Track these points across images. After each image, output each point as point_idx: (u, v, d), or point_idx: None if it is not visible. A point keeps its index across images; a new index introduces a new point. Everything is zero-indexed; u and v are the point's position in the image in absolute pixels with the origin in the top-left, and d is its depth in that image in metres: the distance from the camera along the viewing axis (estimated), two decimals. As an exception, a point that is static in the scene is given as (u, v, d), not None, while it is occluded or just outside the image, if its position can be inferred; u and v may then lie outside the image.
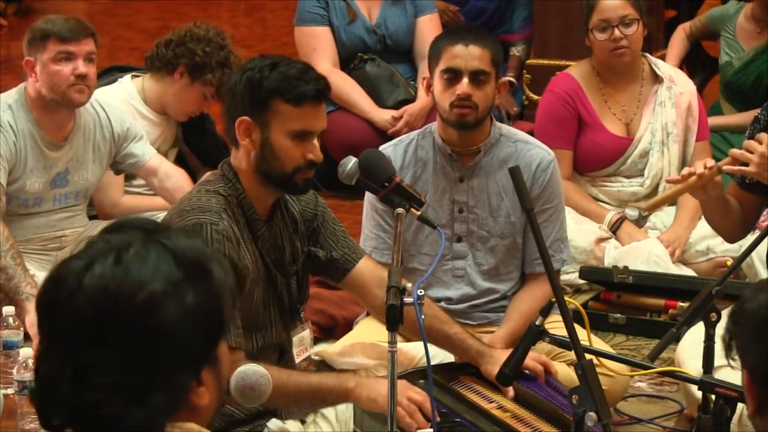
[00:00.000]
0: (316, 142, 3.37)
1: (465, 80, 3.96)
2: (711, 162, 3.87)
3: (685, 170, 3.90)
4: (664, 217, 5.23)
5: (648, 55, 5.35)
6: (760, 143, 3.81)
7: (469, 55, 3.97)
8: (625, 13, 5.10)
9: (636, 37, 5.13)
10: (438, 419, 3.27)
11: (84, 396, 1.78)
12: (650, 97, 5.26)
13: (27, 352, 3.98)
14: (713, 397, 3.16)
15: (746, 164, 3.83)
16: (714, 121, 5.85)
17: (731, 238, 4.22)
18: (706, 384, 3.18)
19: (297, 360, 3.61)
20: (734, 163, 3.86)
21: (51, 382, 1.81)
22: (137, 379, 1.78)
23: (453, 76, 3.98)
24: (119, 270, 1.80)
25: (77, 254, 1.84)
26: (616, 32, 5.08)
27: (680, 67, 6.35)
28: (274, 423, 3.46)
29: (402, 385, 3.26)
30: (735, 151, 3.86)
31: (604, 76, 5.25)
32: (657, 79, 5.28)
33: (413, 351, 3.87)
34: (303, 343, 3.64)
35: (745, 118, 5.91)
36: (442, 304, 4.01)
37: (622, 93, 5.27)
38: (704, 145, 5.33)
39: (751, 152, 3.81)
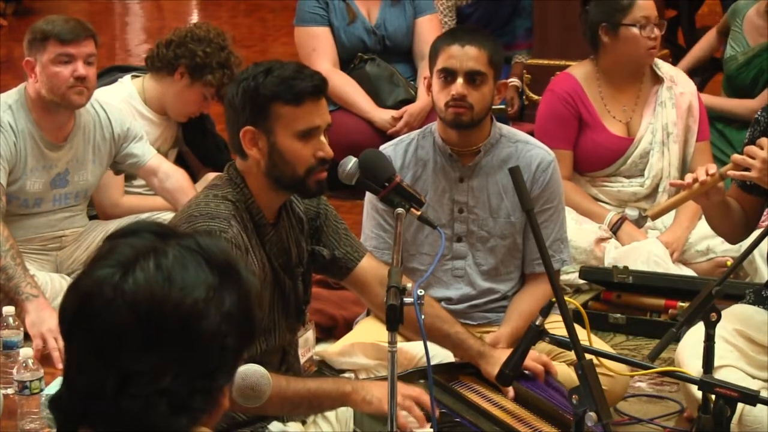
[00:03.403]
0: (323, 138, 3.35)
1: (460, 80, 3.96)
2: (713, 168, 3.86)
3: (688, 177, 3.89)
4: (664, 217, 5.22)
5: None
6: (762, 148, 3.81)
7: (465, 55, 3.97)
8: (656, 14, 5.16)
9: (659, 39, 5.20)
10: (438, 414, 3.26)
11: (127, 404, 1.77)
12: (650, 97, 5.27)
13: (27, 352, 3.98)
14: (713, 397, 3.17)
15: (748, 169, 3.83)
16: (710, 100, 5.87)
17: (733, 240, 4.21)
18: (706, 384, 3.18)
19: (302, 360, 3.61)
20: (736, 168, 3.86)
21: (92, 393, 1.79)
22: (182, 384, 1.78)
23: (448, 76, 3.98)
24: (162, 276, 1.79)
25: (100, 264, 1.82)
26: (655, 30, 5.12)
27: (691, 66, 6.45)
28: (275, 425, 3.45)
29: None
30: (737, 156, 3.86)
31: (608, 76, 5.23)
32: (657, 79, 5.28)
33: (413, 351, 3.87)
34: (307, 344, 3.64)
35: (741, 106, 5.93)
36: (442, 304, 4.00)
37: (623, 93, 5.27)
38: (705, 145, 5.33)
39: (753, 158, 3.81)
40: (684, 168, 5.27)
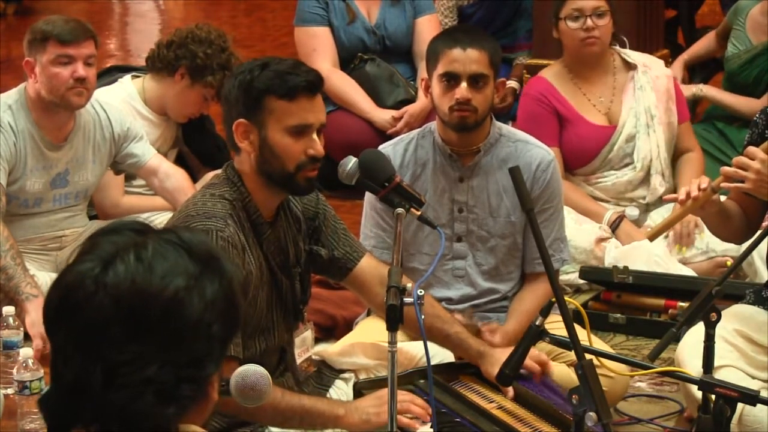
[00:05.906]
0: (315, 137, 3.35)
1: (464, 84, 3.95)
2: (704, 182, 3.83)
3: (681, 193, 3.87)
4: (665, 214, 5.22)
5: (617, 47, 5.43)
6: (752, 159, 3.76)
7: (467, 59, 3.96)
8: (598, 4, 5.21)
9: (607, 30, 5.24)
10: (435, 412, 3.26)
11: (114, 395, 1.79)
12: (627, 83, 5.35)
13: (27, 352, 3.98)
14: (713, 397, 3.17)
15: (741, 180, 3.79)
16: (716, 93, 5.88)
17: (736, 242, 4.19)
18: (706, 384, 3.18)
19: (298, 360, 3.60)
20: (728, 180, 3.81)
21: (79, 387, 1.81)
22: (169, 373, 1.80)
23: (451, 80, 3.97)
24: (142, 267, 1.81)
25: (81, 259, 1.85)
26: (589, 22, 5.19)
27: (691, 66, 6.47)
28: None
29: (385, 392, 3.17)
30: (727, 169, 3.79)
31: (576, 71, 5.33)
32: (630, 66, 5.36)
33: (413, 351, 3.87)
34: (305, 344, 3.64)
35: (747, 105, 5.92)
36: (443, 304, 4.00)
37: (597, 85, 5.36)
38: (687, 125, 5.44)
39: (745, 169, 3.77)
40: (672, 149, 5.33)
